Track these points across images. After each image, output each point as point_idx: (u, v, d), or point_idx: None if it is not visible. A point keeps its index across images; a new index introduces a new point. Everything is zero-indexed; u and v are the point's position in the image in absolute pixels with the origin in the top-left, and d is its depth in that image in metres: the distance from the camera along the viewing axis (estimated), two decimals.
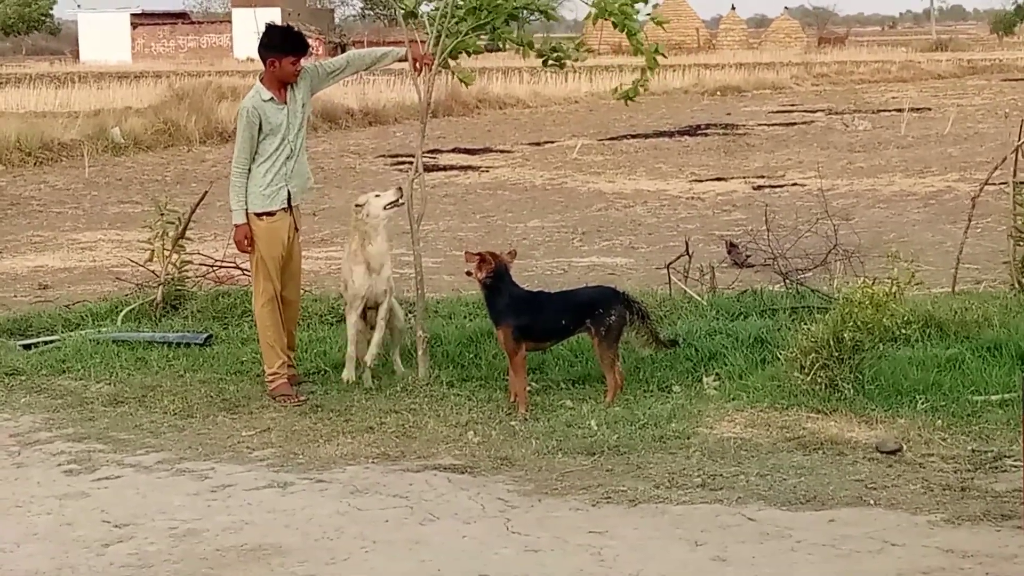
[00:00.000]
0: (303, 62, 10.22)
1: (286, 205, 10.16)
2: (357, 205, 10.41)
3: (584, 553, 6.98)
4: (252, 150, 10.04)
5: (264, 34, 10.31)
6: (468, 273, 9.81)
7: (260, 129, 10.01)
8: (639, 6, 10.05)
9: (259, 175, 10.06)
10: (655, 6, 10.39)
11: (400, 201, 10.32)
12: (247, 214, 10.10)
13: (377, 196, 10.40)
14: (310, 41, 10.72)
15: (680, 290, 12.25)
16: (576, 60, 10.63)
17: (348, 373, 10.32)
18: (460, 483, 8.04)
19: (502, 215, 21.19)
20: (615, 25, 10.07)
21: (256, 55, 10.55)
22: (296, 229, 10.34)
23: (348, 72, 10.71)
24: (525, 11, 10.70)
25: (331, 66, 10.55)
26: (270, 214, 10.11)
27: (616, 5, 9.96)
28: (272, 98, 10.06)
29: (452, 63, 10.52)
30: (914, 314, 10.04)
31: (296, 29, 10.48)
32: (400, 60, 10.57)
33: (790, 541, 7.06)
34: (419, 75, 10.44)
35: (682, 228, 18.93)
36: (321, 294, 12.90)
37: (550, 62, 10.62)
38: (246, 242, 10.13)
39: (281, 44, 10.10)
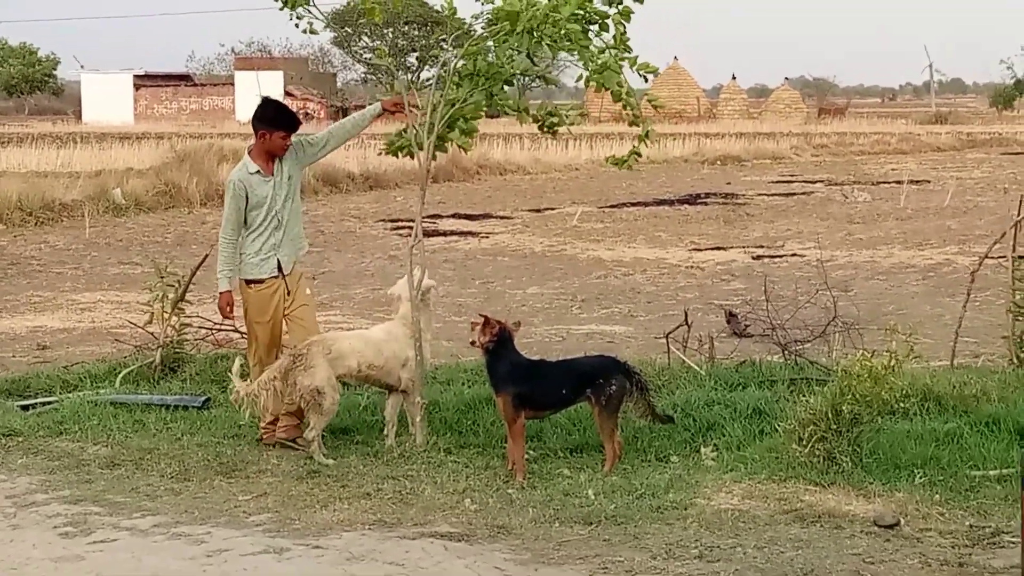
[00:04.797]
0: (293, 138, 10.59)
1: (276, 273, 10.53)
2: (428, 290, 10.76)
3: None
4: (239, 221, 10.45)
5: (259, 107, 10.77)
6: (472, 343, 9.82)
7: (247, 201, 10.41)
8: (632, 71, 10.10)
9: (248, 243, 10.51)
10: (655, 72, 10.43)
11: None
12: (238, 281, 10.55)
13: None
14: (312, 104, 10.98)
15: (679, 360, 12.25)
16: (572, 124, 10.70)
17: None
18: (456, 551, 8.02)
19: (501, 281, 21.20)
20: (614, 97, 10.13)
21: None
22: (288, 292, 10.60)
23: (332, 145, 10.99)
24: (524, 77, 10.77)
25: (316, 140, 10.86)
26: (260, 281, 10.52)
27: (607, 62, 10.00)
28: (259, 171, 10.48)
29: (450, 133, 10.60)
30: (912, 388, 10.05)
31: (289, 108, 10.97)
32: (378, 117, 10.86)
33: None
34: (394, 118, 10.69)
35: (681, 297, 18.95)
36: None
37: (546, 127, 10.69)
38: (228, 309, 10.57)
39: (274, 119, 10.54)
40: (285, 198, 10.51)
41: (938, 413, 10.39)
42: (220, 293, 10.56)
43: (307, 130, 10.83)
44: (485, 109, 10.62)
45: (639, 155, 10.66)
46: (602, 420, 9.57)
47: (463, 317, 15.01)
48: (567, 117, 10.64)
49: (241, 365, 10.25)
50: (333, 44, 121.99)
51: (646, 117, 10.13)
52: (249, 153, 10.61)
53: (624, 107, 10.18)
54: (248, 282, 10.53)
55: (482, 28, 10.35)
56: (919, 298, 18.67)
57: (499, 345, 9.62)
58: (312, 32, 10.79)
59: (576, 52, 9.97)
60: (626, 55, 9.99)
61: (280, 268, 10.53)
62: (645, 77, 10.14)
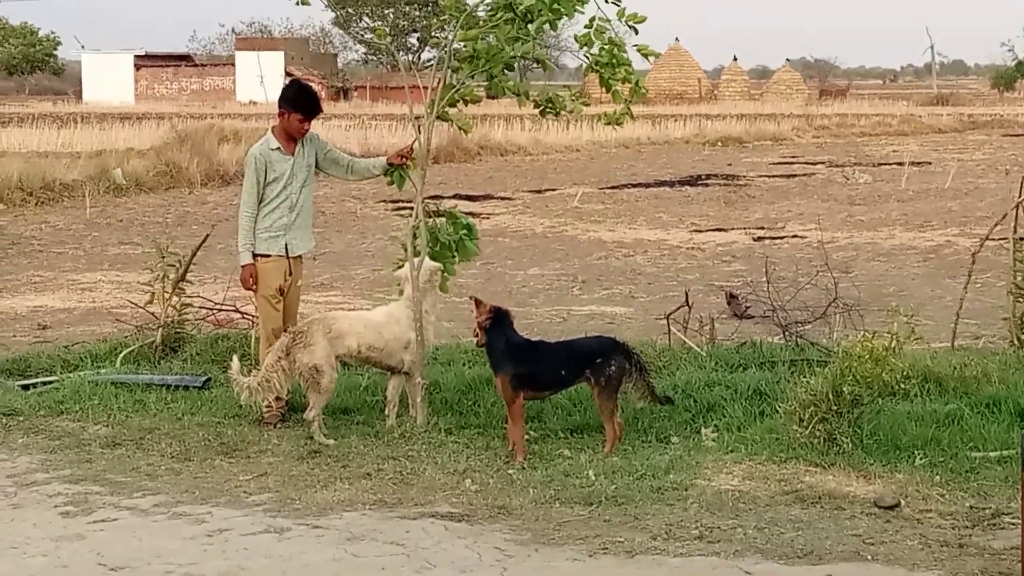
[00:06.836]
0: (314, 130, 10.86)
1: (283, 253, 10.73)
2: (435, 272, 10.61)
3: None
4: (258, 195, 10.67)
5: (285, 86, 11.14)
6: (479, 344, 9.83)
7: (266, 175, 10.63)
8: (621, 22, 10.10)
9: (260, 218, 10.70)
10: (656, 56, 10.44)
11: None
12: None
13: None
14: (313, 85, 11.09)
15: (679, 341, 12.25)
16: (571, 111, 10.69)
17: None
18: (457, 531, 8.02)
19: (502, 262, 21.21)
20: (601, 83, 10.15)
21: (258, 98, 11.01)
22: (290, 274, 10.81)
23: (343, 172, 11.16)
24: (523, 60, 10.77)
25: (337, 157, 11.11)
26: (266, 256, 10.70)
27: (608, 53, 10.01)
28: (279, 148, 10.72)
29: (451, 111, 10.59)
30: (913, 369, 10.03)
31: (312, 93, 11.08)
32: (385, 170, 10.97)
33: None
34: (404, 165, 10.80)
35: (682, 278, 18.95)
36: None
37: (547, 112, 10.67)
38: (251, 280, 10.72)
39: (292, 99, 10.76)
40: (303, 184, 10.75)
41: (939, 394, 10.38)
42: (242, 266, 10.76)
43: None
44: (485, 92, 10.62)
45: (631, 115, 10.65)
46: (602, 401, 9.56)
47: (463, 298, 15.00)
48: (567, 105, 10.62)
49: (240, 360, 10.23)
50: (334, 24, 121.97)
51: (635, 75, 10.15)
52: (272, 131, 10.86)
53: (623, 79, 10.15)
54: (255, 255, 10.71)
55: (484, 13, 10.36)
56: (920, 280, 18.67)
57: (497, 325, 9.61)
58: (305, 4, 10.80)
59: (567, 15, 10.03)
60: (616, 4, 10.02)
61: (287, 251, 10.74)
62: (635, 29, 10.13)
